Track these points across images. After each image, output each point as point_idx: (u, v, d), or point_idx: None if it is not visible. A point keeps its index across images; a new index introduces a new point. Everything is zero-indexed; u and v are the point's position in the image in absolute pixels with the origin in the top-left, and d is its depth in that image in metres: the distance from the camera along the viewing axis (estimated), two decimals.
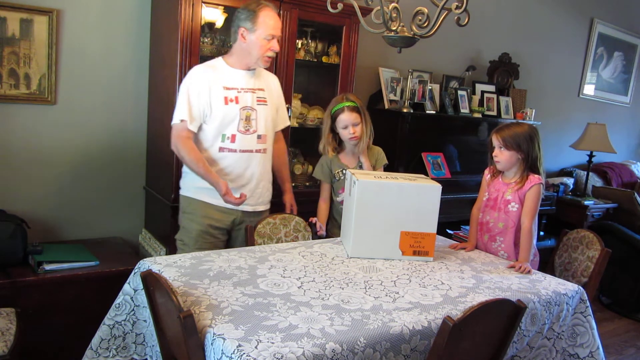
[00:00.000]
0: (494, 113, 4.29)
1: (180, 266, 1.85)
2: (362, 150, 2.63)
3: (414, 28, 2.04)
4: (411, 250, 2.13)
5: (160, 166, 2.87)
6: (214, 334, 1.39)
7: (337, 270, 1.94)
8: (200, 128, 2.33)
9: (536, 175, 2.34)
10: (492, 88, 4.37)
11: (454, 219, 3.59)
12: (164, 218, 2.78)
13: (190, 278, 1.74)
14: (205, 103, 2.29)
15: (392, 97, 3.72)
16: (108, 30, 2.87)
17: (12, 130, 2.69)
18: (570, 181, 5.08)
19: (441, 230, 2.62)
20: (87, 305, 2.41)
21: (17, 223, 2.47)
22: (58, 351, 2.40)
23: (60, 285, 2.39)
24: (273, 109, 2.50)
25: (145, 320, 1.80)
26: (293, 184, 3.24)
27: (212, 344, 1.38)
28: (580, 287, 2.04)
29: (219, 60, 2.40)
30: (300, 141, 3.33)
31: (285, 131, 2.73)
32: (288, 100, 2.98)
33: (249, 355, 1.28)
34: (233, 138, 2.35)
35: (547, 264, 2.66)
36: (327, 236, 2.62)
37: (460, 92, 4.04)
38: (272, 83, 2.53)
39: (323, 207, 2.70)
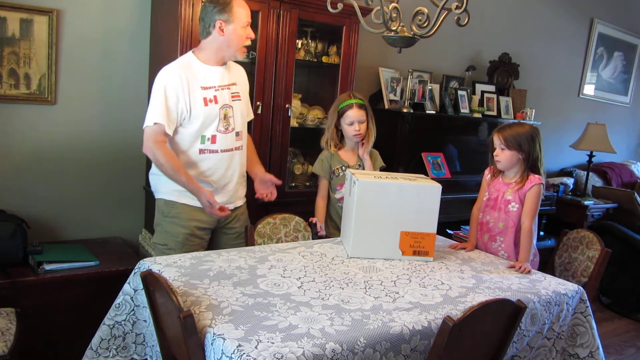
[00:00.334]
0: (494, 113, 4.29)
1: (180, 266, 1.85)
2: (367, 150, 2.68)
3: (414, 28, 2.04)
4: (411, 250, 2.13)
5: None
6: (214, 334, 1.39)
7: (337, 270, 1.94)
8: (175, 131, 2.22)
9: (536, 175, 2.34)
10: (492, 88, 4.37)
11: (454, 219, 3.59)
12: None
13: (190, 278, 1.74)
14: (183, 106, 2.18)
15: (392, 97, 3.72)
16: (108, 30, 2.87)
17: (12, 130, 2.69)
18: (570, 181, 5.08)
19: (441, 230, 2.62)
20: (87, 305, 2.41)
21: (17, 223, 2.47)
22: (58, 351, 2.40)
23: (60, 285, 2.39)
24: (244, 103, 2.44)
25: (145, 320, 1.80)
26: (293, 184, 3.25)
27: (212, 344, 1.38)
28: (580, 287, 2.04)
29: (190, 57, 2.28)
30: (300, 141, 3.33)
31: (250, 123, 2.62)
32: (288, 100, 2.98)
33: (249, 355, 1.28)
34: (214, 139, 2.27)
35: (547, 264, 2.66)
36: (325, 236, 2.63)
37: (460, 92, 4.04)
38: (241, 75, 2.46)
39: (321, 204, 2.70)
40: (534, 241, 2.33)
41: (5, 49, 2.60)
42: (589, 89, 5.66)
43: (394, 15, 2.02)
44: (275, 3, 2.83)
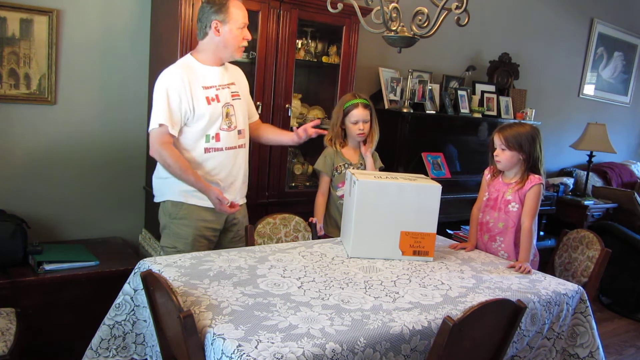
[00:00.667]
0: (494, 113, 4.29)
1: (180, 266, 1.85)
2: (371, 150, 2.72)
3: (414, 28, 2.05)
4: (411, 250, 2.13)
5: None
6: (214, 334, 1.39)
7: (337, 270, 1.94)
8: (180, 131, 2.24)
9: (536, 175, 2.34)
10: (492, 88, 4.37)
11: (454, 219, 3.59)
12: None
13: (190, 278, 1.74)
14: (187, 106, 2.20)
15: (392, 97, 3.72)
16: (108, 30, 2.87)
17: (12, 130, 2.69)
18: (570, 181, 5.08)
19: (441, 230, 2.63)
20: (87, 305, 2.41)
21: (17, 223, 2.47)
22: (58, 351, 2.40)
23: (60, 285, 2.39)
24: (245, 102, 2.46)
25: (145, 320, 1.80)
26: (293, 184, 3.25)
27: (212, 344, 1.38)
28: (580, 287, 2.04)
29: (189, 59, 2.30)
30: None
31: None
32: (288, 100, 2.98)
33: (249, 355, 1.28)
34: (217, 137, 2.29)
35: (547, 264, 2.66)
36: (324, 235, 2.66)
37: (460, 92, 4.04)
38: (239, 76, 2.48)
39: (321, 200, 2.73)
40: (534, 241, 2.33)
41: (5, 49, 2.60)
42: (589, 89, 5.66)
43: (394, 15, 2.02)
44: (275, 3, 2.83)
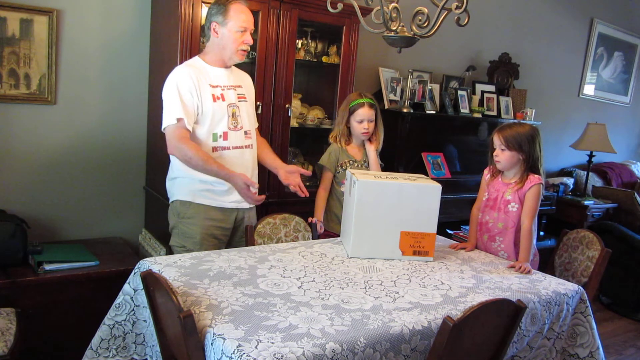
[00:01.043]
0: (494, 113, 4.29)
1: (180, 266, 1.85)
2: (377, 149, 2.77)
3: (414, 28, 2.05)
4: (411, 250, 2.13)
5: (160, 166, 2.86)
6: (214, 334, 1.39)
7: (337, 270, 1.94)
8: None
9: (536, 175, 2.34)
10: (492, 88, 4.37)
11: (454, 219, 3.60)
12: (164, 218, 2.78)
13: (190, 278, 1.74)
14: (197, 101, 2.23)
15: (392, 97, 3.73)
16: (108, 30, 2.87)
17: (12, 130, 2.69)
18: (570, 181, 5.08)
19: (441, 230, 2.63)
20: (87, 305, 2.41)
21: (17, 223, 2.47)
22: (58, 351, 2.40)
23: (60, 285, 2.39)
24: (251, 106, 2.49)
25: (145, 320, 1.80)
26: None
27: (212, 344, 1.38)
28: (580, 287, 2.04)
29: (196, 60, 2.34)
30: (300, 141, 3.33)
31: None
32: (288, 100, 2.98)
33: (249, 355, 1.28)
34: (225, 136, 2.31)
35: (547, 264, 2.66)
36: (325, 231, 2.70)
37: (460, 92, 4.04)
38: (247, 81, 2.51)
39: (322, 195, 2.76)
40: (534, 241, 2.33)
41: (5, 49, 2.60)
42: (589, 89, 5.66)
43: (394, 15, 2.02)
44: (275, 3, 2.83)
